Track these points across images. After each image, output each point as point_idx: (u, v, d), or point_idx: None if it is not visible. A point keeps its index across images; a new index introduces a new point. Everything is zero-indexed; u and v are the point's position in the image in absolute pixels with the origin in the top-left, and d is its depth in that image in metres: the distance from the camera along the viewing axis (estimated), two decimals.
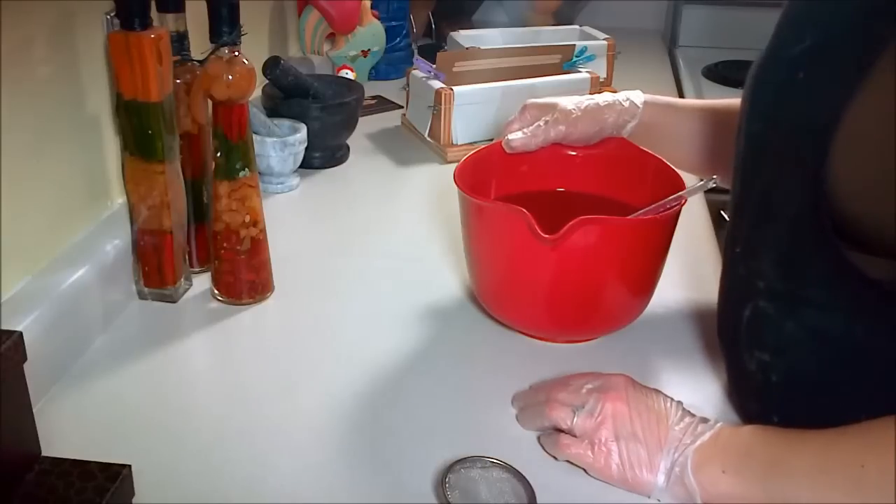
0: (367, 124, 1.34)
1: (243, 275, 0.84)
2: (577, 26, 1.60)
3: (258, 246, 0.84)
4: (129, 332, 0.80)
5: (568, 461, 0.64)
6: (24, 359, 0.55)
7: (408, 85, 1.32)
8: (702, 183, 0.76)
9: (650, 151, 0.83)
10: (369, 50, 1.51)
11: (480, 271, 0.80)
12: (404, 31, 1.62)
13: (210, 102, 0.81)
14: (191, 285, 0.87)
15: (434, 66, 1.26)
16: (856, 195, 0.54)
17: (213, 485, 0.62)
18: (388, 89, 1.52)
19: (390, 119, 1.39)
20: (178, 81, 0.83)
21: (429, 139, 1.24)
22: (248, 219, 0.82)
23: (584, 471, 0.63)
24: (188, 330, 0.81)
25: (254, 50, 1.01)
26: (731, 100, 0.85)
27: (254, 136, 0.87)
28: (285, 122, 1.11)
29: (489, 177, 0.85)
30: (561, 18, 1.85)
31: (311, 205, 1.10)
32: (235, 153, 0.80)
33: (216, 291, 0.85)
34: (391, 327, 0.82)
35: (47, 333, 0.70)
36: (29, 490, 0.55)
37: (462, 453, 0.63)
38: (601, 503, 0.61)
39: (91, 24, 0.80)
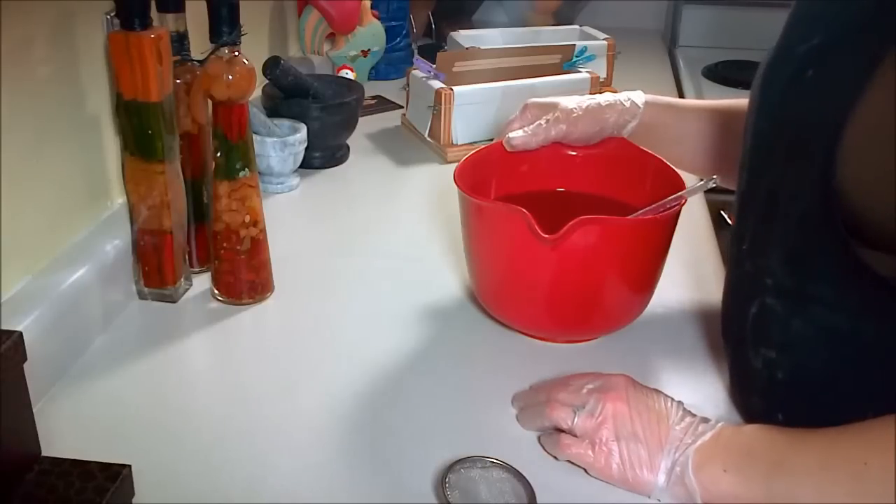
0: (367, 124, 1.34)
1: (243, 275, 0.84)
2: (577, 26, 1.60)
3: (258, 246, 0.84)
4: (129, 332, 0.80)
5: (568, 461, 0.64)
6: (24, 359, 0.55)
7: (408, 85, 1.32)
8: (702, 183, 0.76)
9: (650, 151, 0.83)
10: (369, 50, 1.51)
11: (480, 271, 0.80)
12: (404, 31, 1.62)
13: (210, 102, 0.81)
14: (191, 285, 0.87)
15: (434, 66, 1.26)
16: (865, 192, 0.54)
17: (213, 485, 0.62)
18: (388, 89, 1.52)
19: (390, 119, 1.39)
20: (178, 81, 0.83)
21: (429, 139, 1.24)
22: (248, 219, 0.82)
23: (585, 471, 0.63)
24: (188, 330, 0.81)
25: (254, 50, 1.01)
26: (732, 100, 0.85)
27: (254, 136, 0.87)
28: (285, 122, 1.11)
29: (489, 177, 0.85)
30: (561, 18, 1.85)
31: (311, 205, 1.10)
32: (235, 153, 0.80)
33: (216, 291, 0.85)
34: (391, 327, 0.82)
35: (47, 333, 0.70)
36: (29, 490, 0.55)
37: (462, 453, 0.63)
38: (601, 503, 0.61)
39: (91, 24, 0.80)
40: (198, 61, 0.82)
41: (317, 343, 0.80)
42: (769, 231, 0.62)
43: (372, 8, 1.51)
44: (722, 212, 1.26)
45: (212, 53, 0.78)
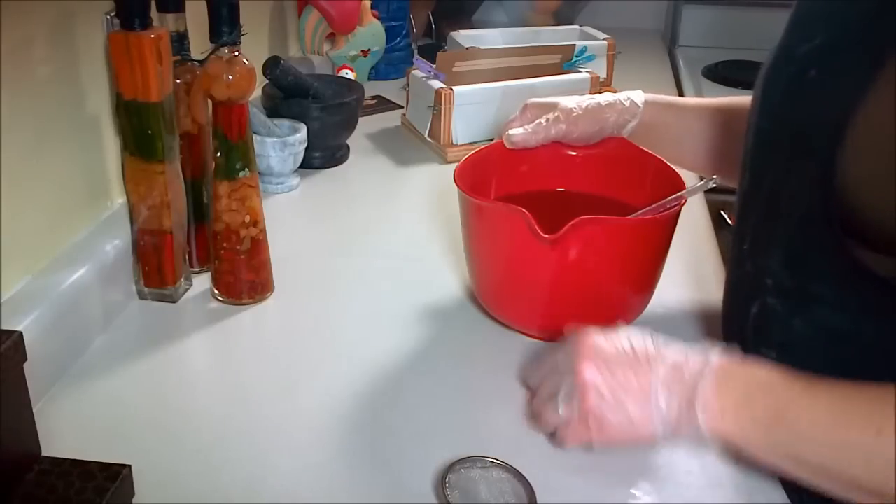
0: (367, 124, 1.34)
1: (243, 275, 0.84)
2: (577, 26, 1.60)
3: (258, 246, 0.84)
4: (129, 332, 0.80)
5: (572, 464, 0.64)
6: (24, 359, 0.55)
7: (408, 85, 1.32)
8: (702, 183, 0.76)
9: (650, 151, 0.83)
10: (369, 50, 1.51)
11: (480, 271, 0.80)
12: (404, 31, 1.62)
13: (210, 102, 0.81)
14: (191, 285, 0.87)
15: (434, 66, 1.26)
16: (866, 192, 0.54)
17: (213, 485, 0.62)
18: (388, 89, 1.52)
19: (390, 119, 1.39)
20: (178, 81, 0.83)
21: (429, 139, 1.24)
22: (248, 219, 0.82)
23: (586, 471, 0.63)
24: (188, 330, 0.81)
25: (254, 50, 1.01)
26: (732, 98, 0.85)
27: (254, 136, 0.87)
28: (285, 122, 1.11)
29: (489, 177, 0.85)
30: (561, 18, 1.85)
31: (311, 205, 1.10)
32: (235, 153, 0.80)
33: (216, 291, 0.85)
34: (391, 327, 0.82)
35: (47, 333, 0.70)
36: (29, 490, 0.55)
37: (462, 453, 0.63)
38: (601, 503, 0.61)
39: (91, 24, 0.80)
40: (198, 61, 0.82)
41: (317, 343, 0.80)
42: (770, 231, 0.62)
43: (372, 8, 1.51)
44: (722, 212, 1.26)
45: (212, 53, 0.78)
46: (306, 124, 1.11)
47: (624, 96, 0.84)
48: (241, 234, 0.82)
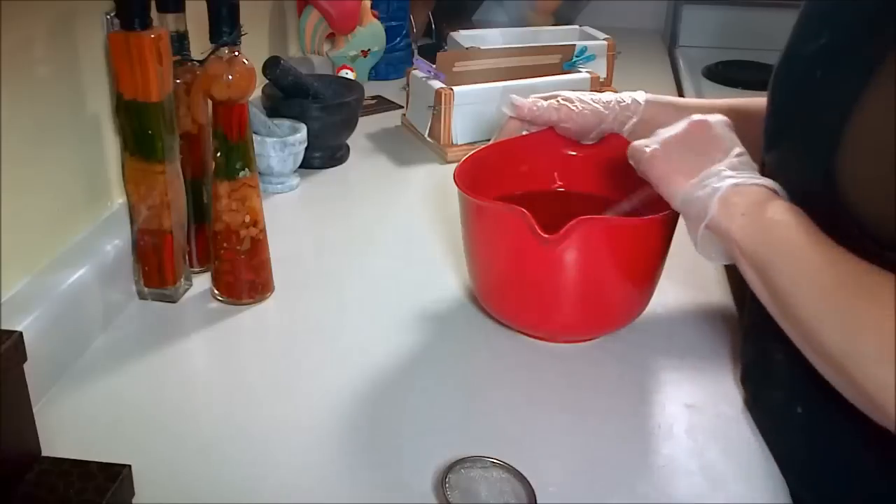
0: (367, 124, 1.34)
1: (243, 275, 0.84)
2: (577, 26, 1.60)
3: (258, 246, 0.84)
4: (129, 332, 0.80)
5: (572, 464, 0.64)
6: (24, 359, 0.55)
7: (408, 85, 1.32)
8: None
9: None
10: (369, 50, 1.51)
11: (480, 271, 0.80)
12: (404, 31, 1.62)
13: (210, 102, 0.81)
14: (191, 285, 0.87)
15: (434, 66, 1.26)
16: (863, 192, 0.54)
17: (213, 485, 0.62)
18: (388, 89, 1.52)
19: (390, 119, 1.39)
20: (178, 81, 0.83)
21: (429, 139, 1.24)
22: (248, 219, 0.82)
23: (584, 469, 0.63)
24: (188, 330, 0.81)
25: (254, 50, 1.01)
26: (734, 99, 0.85)
27: (254, 136, 0.87)
28: (285, 122, 1.11)
29: (489, 177, 0.85)
30: (561, 18, 1.85)
31: (311, 205, 1.10)
32: (235, 153, 0.80)
33: (216, 291, 0.85)
34: (391, 327, 0.82)
35: (47, 333, 0.70)
36: (29, 490, 0.55)
37: (462, 453, 0.63)
38: (601, 503, 0.61)
39: (91, 24, 0.80)
40: (198, 61, 0.82)
41: (317, 343, 0.80)
42: None
43: (372, 8, 1.51)
44: None
45: (212, 53, 0.78)
46: (306, 124, 1.11)
47: (625, 94, 0.84)
48: (241, 234, 0.82)
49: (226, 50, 0.77)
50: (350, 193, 1.13)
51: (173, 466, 0.64)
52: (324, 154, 1.19)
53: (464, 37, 1.49)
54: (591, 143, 0.87)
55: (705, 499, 0.62)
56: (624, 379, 0.75)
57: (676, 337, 0.81)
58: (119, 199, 0.87)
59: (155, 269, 0.84)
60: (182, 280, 0.85)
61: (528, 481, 0.60)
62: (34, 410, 0.58)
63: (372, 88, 1.49)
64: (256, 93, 0.99)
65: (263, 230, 0.84)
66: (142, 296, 0.85)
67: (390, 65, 1.59)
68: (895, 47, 0.52)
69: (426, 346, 0.79)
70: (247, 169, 0.81)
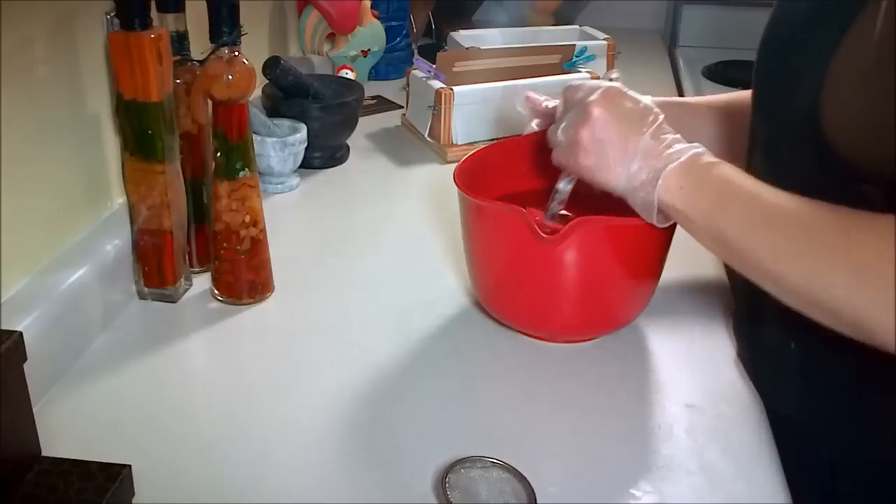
0: (367, 124, 1.34)
1: (243, 275, 0.84)
2: (577, 26, 1.60)
3: (258, 246, 0.84)
4: (129, 332, 0.80)
5: (572, 464, 0.64)
6: (24, 359, 0.55)
7: (408, 85, 1.32)
8: None
9: None
10: (369, 50, 1.51)
11: (480, 271, 0.80)
12: (404, 31, 1.62)
13: (210, 102, 0.81)
14: (191, 285, 0.87)
15: (434, 66, 1.26)
16: (846, 124, 0.59)
17: (213, 485, 0.62)
18: (388, 89, 1.52)
19: (390, 119, 1.39)
20: (178, 81, 0.83)
21: (429, 139, 1.24)
22: (248, 219, 0.82)
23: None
24: (188, 330, 0.81)
25: (254, 50, 1.01)
26: (736, 93, 0.86)
27: (254, 136, 0.87)
28: (285, 122, 1.11)
29: (489, 177, 0.85)
30: (561, 18, 1.85)
31: (311, 205, 1.10)
32: (235, 153, 0.80)
33: (216, 291, 0.85)
34: (391, 327, 0.82)
35: (47, 333, 0.70)
36: (29, 490, 0.55)
37: (462, 453, 0.62)
38: (601, 503, 0.61)
39: (91, 24, 0.80)
40: (198, 61, 0.82)
41: (317, 343, 0.80)
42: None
43: (372, 8, 1.51)
44: None
45: (212, 53, 0.78)
46: (306, 124, 1.11)
47: None
48: (241, 234, 0.82)
49: (226, 50, 0.77)
50: (350, 193, 1.13)
51: (173, 466, 0.64)
52: (324, 154, 1.19)
53: (464, 37, 1.49)
54: None
55: (705, 499, 0.62)
56: (624, 379, 0.75)
57: (676, 337, 0.81)
58: (119, 199, 0.87)
59: (155, 269, 0.84)
60: (182, 280, 0.85)
61: (528, 481, 0.60)
62: (34, 410, 0.58)
63: (372, 88, 1.49)
64: (256, 93, 0.99)
65: (263, 230, 0.84)
66: (142, 296, 0.85)
67: (390, 65, 1.59)
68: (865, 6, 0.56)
69: (426, 346, 0.79)
70: (247, 169, 0.81)
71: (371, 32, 1.50)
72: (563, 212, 0.77)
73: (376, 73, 1.58)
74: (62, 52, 0.77)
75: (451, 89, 1.20)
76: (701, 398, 0.72)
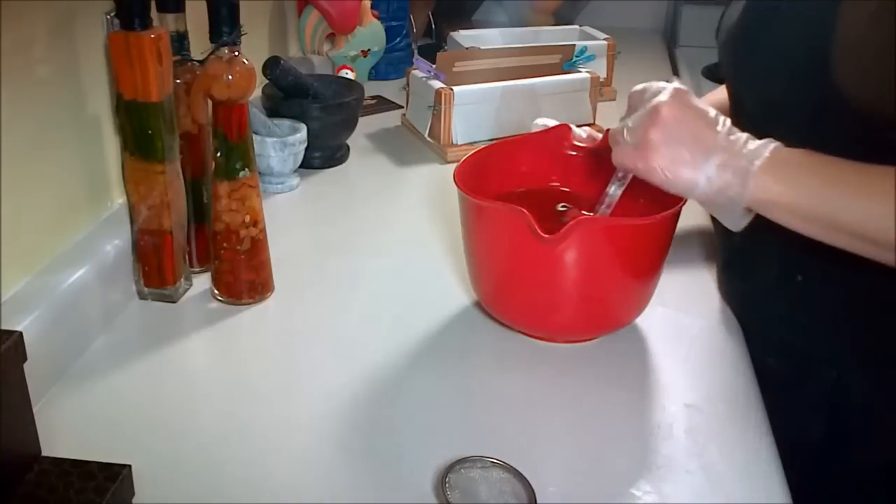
0: (367, 124, 1.34)
1: (243, 275, 0.84)
2: (577, 26, 1.60)
3: (258, 246, 0.84)
4: (129, 332, 0.80)
5: (572, 464, 0.64)
6: (24, 359, 0.55)
7: (408, 85, 1.32)
8: None
9: None
10: (369, 50, 1.51)
11: (480, 271, 0.80)
12: (404, 31, 1.62)
13: (210, 102, 0.81)
14: (191, 285, 0.87)
15: (434, 66, 1.26)
16: (857, 74, 0.62)
17: (214, 485, 0.62)
18: (388, 89, 1.52)
19: (390, 119, 1.39)
20: (178, 81, 0.83)
21: (429, 139, 1.24)
22: (248, 219, 0.82)
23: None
24: (188, 330, 0.81)
25: (254, 50, 1.01)
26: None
27: (254, 136, 0.87)
28: (285, 122, 1.11)
29: (489, 177, 0.85)
30: (561, 18, 1.85)
31: (311, 205, 1.10)
32: (235, 153, 0.80)
33: (216, 291, 0.85)
34: (391, 327, 0.82)
35: (47, 333, 0.70)
36: (29, 490, 0.55)
37: (462, 453, 0.62)
38: (601, 503, 0.61)
39: (91, 24, 0.80)
40: (198, 61, 0.82)
41: (317, 343, 0.80)
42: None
43: (372, 8, 1.51)
44: None
45: (212, 53, 0.78)
46: (306, 124, 1.11)
47: None
48: (241, 234, 0.82)
49: (226, 50, 0.77)
50: (350, 193, 1.13)
51: (173, 466, 0.64)
52: (324, 154, 1.19)
53: (464, 37, 1.50)
54: None
55: (705, 499, 0.62)
56: (624, 379, 0.75)
57: (676, 337, 0.81)
58: (119, 199, 0.87)
59: (155, 269, 0.84)
60: (182, 280, 0.85)
61: (528, 481, 0.60)
62: (34, 410, 0.58)
63: (372, 88, 1.49)
64: (256, 93, 0.99)
65: (263, 230, 0.84)
66: (142, 296, 0.85)
67: (390, 65, 1.59)
68: None
69: (426, 347, 0.79)
70: (247, 169, 0.81)
71: (371, 32, 1.50)
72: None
73: (376, 73, 1.58)
74: (62, 52, 0.77)
75: (451, 89, 1.20)
76: (701, 398, 0.72)
